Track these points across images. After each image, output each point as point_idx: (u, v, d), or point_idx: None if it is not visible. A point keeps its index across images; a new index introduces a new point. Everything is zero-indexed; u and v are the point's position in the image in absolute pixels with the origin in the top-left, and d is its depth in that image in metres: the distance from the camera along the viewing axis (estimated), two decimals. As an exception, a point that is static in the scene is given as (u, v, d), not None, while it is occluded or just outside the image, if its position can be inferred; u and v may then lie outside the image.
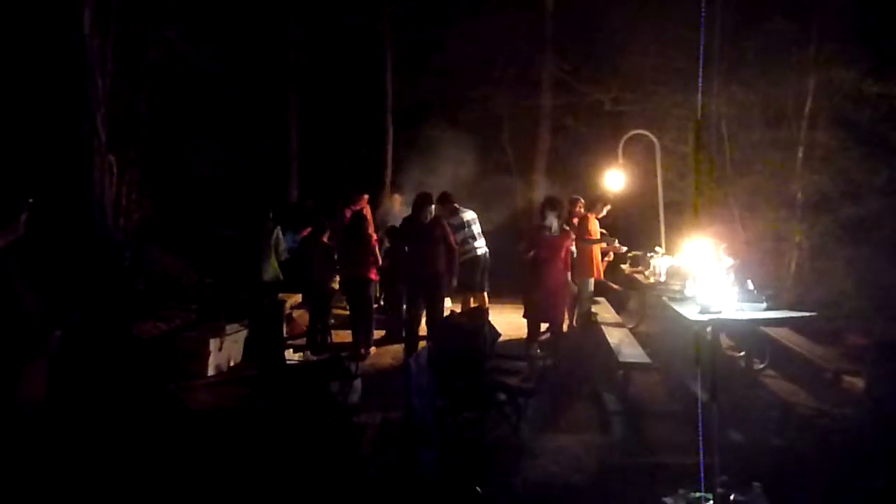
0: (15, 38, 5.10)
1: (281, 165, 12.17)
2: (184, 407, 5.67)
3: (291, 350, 7.29)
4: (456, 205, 8.22)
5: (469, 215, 8.22)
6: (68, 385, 4.69)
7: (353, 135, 12.86)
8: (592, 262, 7.91)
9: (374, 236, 7.73)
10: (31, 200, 3.62)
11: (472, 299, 8.29)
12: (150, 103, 8.79)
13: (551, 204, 6.92)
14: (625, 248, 8.55)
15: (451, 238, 7.11)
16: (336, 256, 7.56)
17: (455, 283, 7.34)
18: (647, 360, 6.26)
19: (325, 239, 7.55)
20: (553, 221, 6.77)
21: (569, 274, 8.03)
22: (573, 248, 7.89)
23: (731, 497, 3.59)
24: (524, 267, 6.97)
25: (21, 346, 3.44)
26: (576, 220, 8.00)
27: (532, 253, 6.83)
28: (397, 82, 12.27)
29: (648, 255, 8.63)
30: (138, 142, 8.69)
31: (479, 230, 8.25)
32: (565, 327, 8.34)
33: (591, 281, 7.96)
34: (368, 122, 12.50)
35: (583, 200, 8.24)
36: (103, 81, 5.66)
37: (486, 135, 12.58)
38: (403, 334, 7.31)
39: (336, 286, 7.63)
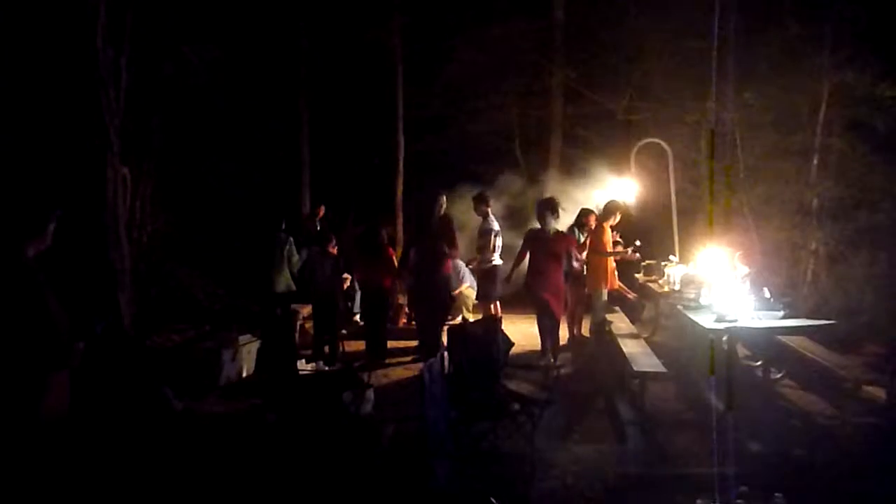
0: (28, 49, 5.15)
1: (293, 177, 12.22)
2: (195, 418, 5.66)
3: (304, 360, 7.29)
4: (489, 210, 8.22)
5: (497, 226, 8.21)
6: (91, 396, 4.71)
7: (365, 146, 12.90)
8: (606, 271, 7.84)
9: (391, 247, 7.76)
10: (59, 212, 3.64)
11: (490, 308, 8.25)
12: (164, 116, 8.86)
13: (550, 207, 6.84)
14: (637, 255, 8.45)
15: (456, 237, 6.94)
16: (342, 267, 7.60)
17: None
18: (662, 369, 6.17)
19: (331, 249, 7.56)
20: (552, 224, 6.72)
21: (581, 280, 8.01)
22: (582, 256, 7.87)
23: (752, 508, 3.52)
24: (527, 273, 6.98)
25: (47, 356, 3.45)
26: (590, 225, 7.94)
27: (529, 256, 6.84)
28: (408, 93, 12.30)
29: (662, 263, 8.57)
30: (152, 155, 8.75)
31: (501, 243, 8.23)
32: (576, 332, 8.32)
33: (605, 291, 7.88)
34: (380, 133, 12.53)
35: (595, 211, 8.17)
36: (117, 94, 5.70)
37: (497, 145, 12.60)
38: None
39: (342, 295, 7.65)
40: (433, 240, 6.77)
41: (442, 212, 6.93)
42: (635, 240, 8.43)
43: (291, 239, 7.89)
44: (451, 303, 7.52)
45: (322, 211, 9.32)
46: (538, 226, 6.95)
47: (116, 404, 5.27)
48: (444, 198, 7.00)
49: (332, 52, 12.16)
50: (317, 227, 9.14)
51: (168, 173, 9.25)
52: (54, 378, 3.52)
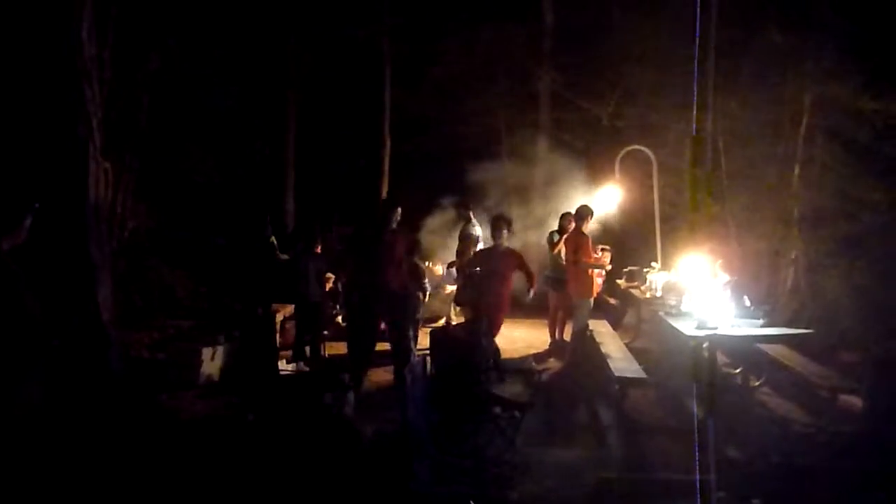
0: (9, 39, 5.07)
1: (277, 175, 12.15)
2: (173, 417, 5.60)
3: (284, 361, 7.23)
4: (471, 214, 8.13)
5: (479, 231, 8.18)
6: (65, 393, 4.64)
7: (351, 146, 12.87)
8: (592, 280, 7.75)
9: None
10: (36, 205, 3.57)
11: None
12: (148, 111, 8.76)
13: (506, 221, 6.87)
14: (609, 267, 8.38)
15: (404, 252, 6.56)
16: (326, 267, 7.56)
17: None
18: (643, 375, 6.21)
19: (315, 250, 7.51)
20: (504, 240, 6.77)
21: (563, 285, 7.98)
22: (557, 251, 7.92)
23: (730, 514, 3.54)
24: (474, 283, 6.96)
25: (22, 352, 3.39)
26: (568, 228, 7.92)
27: (480, 269, 6.83)
28: (396, 94, 12.28)
29: (644, 270, 8.61)
30: (135, 149, 8.65)
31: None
32: (558, 337, 8.34)
33: (591, 300, 7.81)
34: (366, 133, 12.51)
35: (573, 214, 8.15)
36: (100, 87, 5.62)
37: (484, 148, 12.61)
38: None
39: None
40: (385, 251, 6.26)
41: (397, 222, 6.36)
42: (608, 245, 8.43)
43: (275, 238, 7.84)
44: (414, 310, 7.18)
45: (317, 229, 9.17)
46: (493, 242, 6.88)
47: (92, 400, 5.20)
48: (400, 209, 6.39)
49: (321, 52, 12.11)
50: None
51: (151, 168, 9.15)
52: (29, 374, 3.46)
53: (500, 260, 6.72)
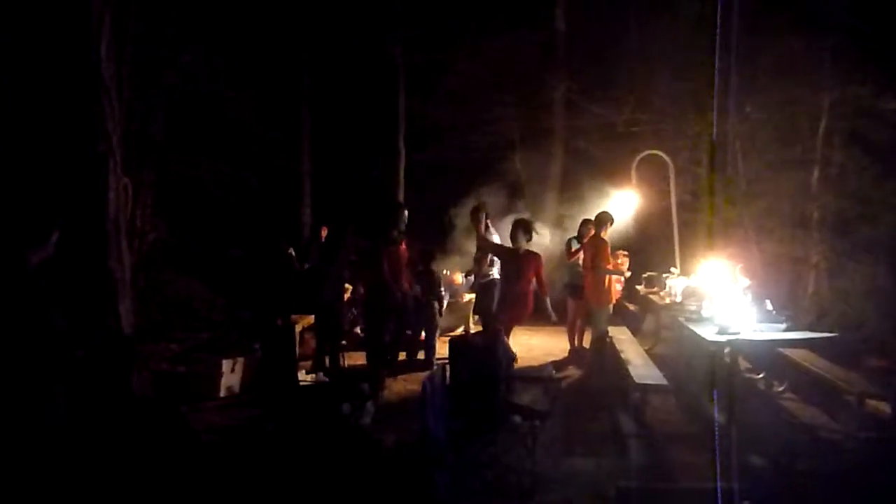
0: (30, 57, 5.16)
1: (293, 187, 12.22)
2: (192, 429, 5.62)
3: (303, 371, 7.25)
4: (489, 222, 8.08)
5: (496, 239, 8.14)
6: (89, 406, 4.69)
7: (366, 156, 12.91)
8: (611, 286, 7.70)
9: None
10: (62, 221, 3.64)
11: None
12: (165, 125, 8.86)
13: (523, 227, 6.82)
14: (628, 273, 8.35)
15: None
16: (344, 278, 7.60)
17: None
18: (663, 381, 6.15)
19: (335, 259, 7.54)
20: (523, 244, 6.75)
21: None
22: (575, 259, 7.88)
23: (754, 522, 3.49)
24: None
25: (48, 365, 3.43)
26: (588, 235, 7.87)
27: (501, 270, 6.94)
28: (409, 103, 12.33)
29: (664, 275, 8.55)
30: (152, 164, 8.75)
31: None
32: (577, 344, 8.29)
33: (610, 307, 7.74)
34: (380, 143, 12.55)
35: (592, 221, 8.11)
36: (119, 103, 5.71)
37: (498, 157, 12.61)
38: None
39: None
40: (391, 252, 6.89)
41: (405, 225, 7.05)
42: (626, 251, 8.38)
43: (292, 250, 7.88)
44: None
45: (325, 232, 9.25)
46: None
47: (116, 413, 5.24)
48: (406, 212, 7.15)
49: (334, 62, 12.18)
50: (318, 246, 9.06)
51: (168, 182, 9.25)
52: (55, 387, 3.50)
53: (520, 261, 6.72)
